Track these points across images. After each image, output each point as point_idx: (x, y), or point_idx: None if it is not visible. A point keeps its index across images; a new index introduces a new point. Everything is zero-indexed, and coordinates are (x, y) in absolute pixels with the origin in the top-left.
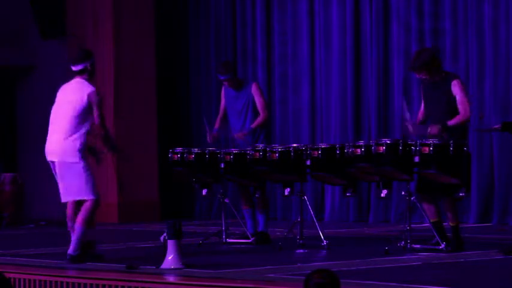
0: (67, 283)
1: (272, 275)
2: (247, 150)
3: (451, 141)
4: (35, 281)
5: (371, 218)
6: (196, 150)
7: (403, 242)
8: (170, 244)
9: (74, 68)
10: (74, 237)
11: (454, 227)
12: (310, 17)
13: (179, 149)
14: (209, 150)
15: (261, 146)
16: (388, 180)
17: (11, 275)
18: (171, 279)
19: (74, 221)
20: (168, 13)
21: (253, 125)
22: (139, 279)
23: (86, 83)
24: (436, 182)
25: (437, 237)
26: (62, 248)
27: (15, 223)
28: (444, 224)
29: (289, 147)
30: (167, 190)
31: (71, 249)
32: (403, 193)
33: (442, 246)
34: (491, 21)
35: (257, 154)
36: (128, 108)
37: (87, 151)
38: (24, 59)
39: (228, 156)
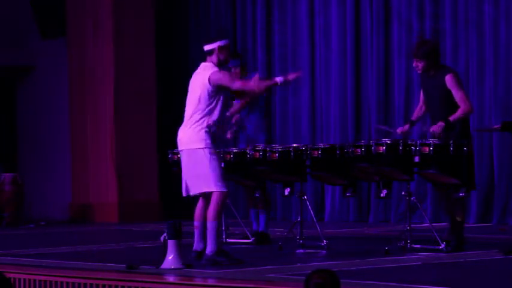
0: (67, 283)
1: (272, 275)
2: (247, 149)
3: (451, 141)
4: (35, 281)
5: (371, 218)
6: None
7: (403, 242)
8: (170, 244)
9: (204, 48)
10: (208, 236)
11: (460, 222)
12: (310, 17)
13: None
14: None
15: (261, 146)
16: (388, 180)
17: (11, 275)
18: (171, 279)
19: (202, 218)
20: (168, 13)
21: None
22: (139, 279)
23: (210, 65)
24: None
25: (437, 238)
26: (62, 248)
27: (15, 223)
28: (444, 223)
29: (289, 147)
30: (167, 190)
31: (208, 250)
32: (403, 193)
33: (442, 246)
34: (491, 21)
35: (257, 154)
36: (127, 108)
37: (214, 140)
38: (24, 59)
39: (228, 156)
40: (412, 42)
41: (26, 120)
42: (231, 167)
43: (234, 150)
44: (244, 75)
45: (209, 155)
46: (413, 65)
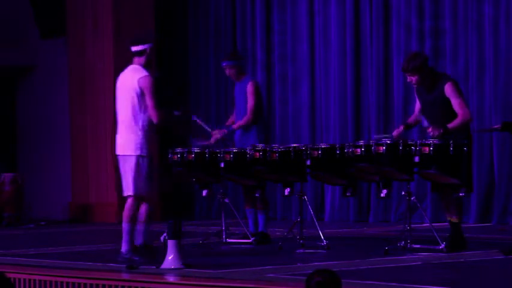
0: (67, 283)
1: (272, 275)
2: (247, 149)
3: (451, 141)
4: (35, 281)
5: (371, 218)
6: (196, 150)
7: (403, 242)
8: (170, 244)
9: (132, 49)
10: (124, 236)
11: (457, 223)
12: (310, 16)
13: (179, 149)
14: (209, 150)
15: (261, 146)
16: (388, 180)
17: (11, 275)
18: (171, 279)
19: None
20: (168, 13)
21: (235, 126)
22: (139, 279)
23: (139, 68)
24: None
25: (437, 238)
26: (62, 248)
27: (15, 223)
28: (444, 223)
29: (289, 147)
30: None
31: (124, 249)
32: (403, 193)
33: (442, 246)
34: (491, 21)
35: (257, 154)
36: None
37: (148, 145)
38: (24, 59)
39: (228, 156)
40: (411, 42)
41: (26, 120)
42: (231, 167)
43: (234, 150)
44: (242, 75)
45: (140, 162)
46: (408, 80)
